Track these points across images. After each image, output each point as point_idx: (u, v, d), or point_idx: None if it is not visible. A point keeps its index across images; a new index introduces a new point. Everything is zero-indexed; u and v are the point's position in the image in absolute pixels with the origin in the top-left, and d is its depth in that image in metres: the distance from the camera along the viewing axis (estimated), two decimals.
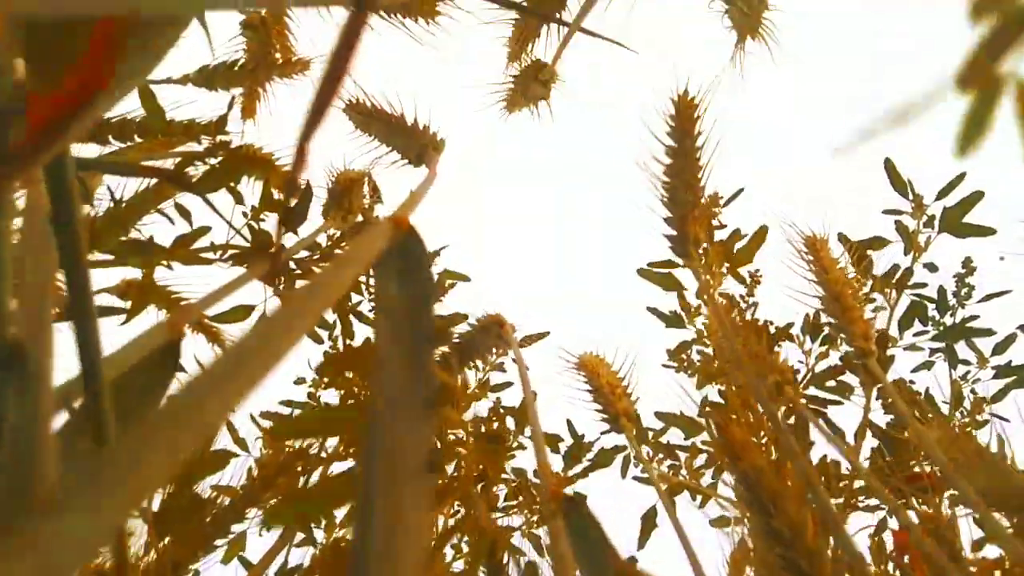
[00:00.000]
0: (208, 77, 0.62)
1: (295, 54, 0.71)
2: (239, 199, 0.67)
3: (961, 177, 0.92)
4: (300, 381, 0.96)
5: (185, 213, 0.53)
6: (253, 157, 0.61)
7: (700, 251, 0.49)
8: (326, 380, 0.90)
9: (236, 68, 0.63)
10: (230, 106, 0.60)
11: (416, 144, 0.54)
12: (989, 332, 0.95)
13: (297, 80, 0.70)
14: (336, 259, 0.23)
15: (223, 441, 0.96)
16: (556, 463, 1.09)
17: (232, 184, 0.62)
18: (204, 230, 0.59)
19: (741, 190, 0.95)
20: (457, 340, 0.65)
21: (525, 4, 0.63)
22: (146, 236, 0.57)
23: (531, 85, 0.74)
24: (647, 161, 0.51)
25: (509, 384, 1.07)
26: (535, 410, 0.51)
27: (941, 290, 1.00)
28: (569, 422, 1.12)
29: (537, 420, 0.50)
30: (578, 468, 1.10)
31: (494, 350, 0.66)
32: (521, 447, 1.02)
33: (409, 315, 0.25)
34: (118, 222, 0.49)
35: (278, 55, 0.69)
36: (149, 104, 0.53)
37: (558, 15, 0.68)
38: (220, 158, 0.54)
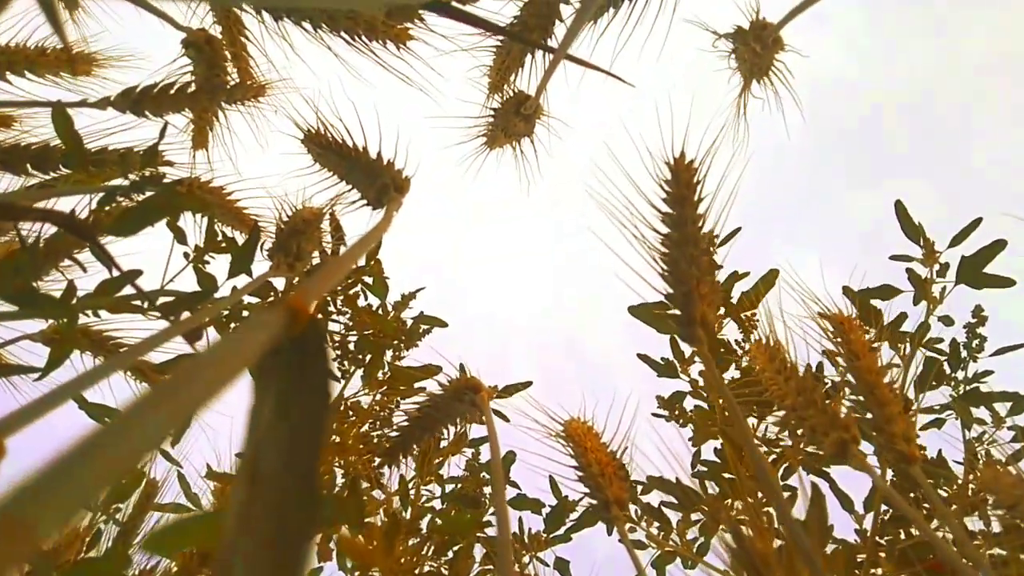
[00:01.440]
0: (134, 101, 0.54)
1: (255, 78, 0.64)
2: (181, 238, 0.60)
3: (976, 223, 0.85)
4: None
5: (107, 258, 0.45)
6: (192, 192, 0.54)
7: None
8: None
9: (172, 91, 0.55)
10: (162, 134, 0.53)
11: (377, 182, 0.46)
12: (1010, 396, 0.88)
13: (253, 107, 0.63)
14: (185, 367, 0.16)
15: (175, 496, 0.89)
16: (538, 524, 1.01)
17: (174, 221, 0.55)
18: (134, 274, 0.51)
19: (738, 229, 0.88)
20: (423, 406, 0.57)
21: (508, 28, 0.57)
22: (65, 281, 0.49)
23: (512, 120, 0.67)
24: (641, 228, 0.44)
25: (485, 439, 0.99)
26: (502, 492, 0.43)
27: (954, 344, 0.92)
28: (552, 480, 1.04)
29: (503, 503, 0.43)
30: (560, 531, 1.01)
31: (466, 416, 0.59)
32: None
33: (284, 474, 0.17)
34: (21, 268, 0.41)
35: (235, 78, 0.62)
36: (61, 128, 0.45)
37: (544, 41, 0.61)
38: (147, 194, 0.47)
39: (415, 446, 0.60)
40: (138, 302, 0.52)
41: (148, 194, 0.47)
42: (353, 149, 0.51)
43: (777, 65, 0.56)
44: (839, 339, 0.58)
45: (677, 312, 0.42)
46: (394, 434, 0.63)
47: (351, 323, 0.77)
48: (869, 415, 0.51)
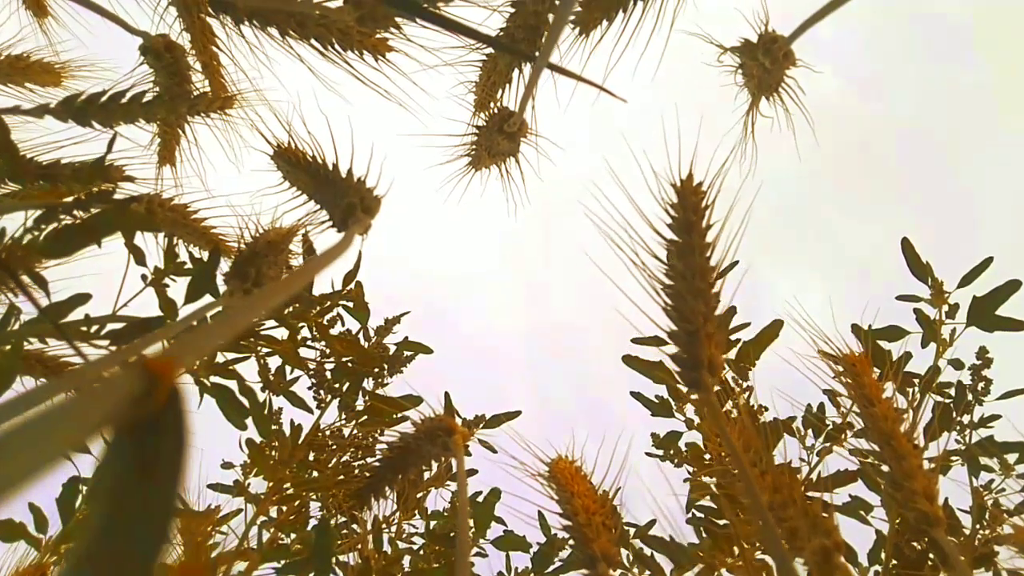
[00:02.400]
0: (77, 109, 0.50)
1: (226, 89, 0.60)
2: (139, 259, 0.56)
3: (987, 262, 0.81)
4: (227, 466, 0.83)
5: (40, 281, 0.41)
6: (151, 209, 0.50)
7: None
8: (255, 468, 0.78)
9: (123, 100, 0.51)
10: (110, 145, 0.49)
11: (343, 201, 0.42)
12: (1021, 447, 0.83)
13: (222, 120, 0.58)
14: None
15: None
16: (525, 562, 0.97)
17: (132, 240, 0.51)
18: (80, 299, 0.47)
19: (736, 263, 0.84)
20: (394, 447, 0.53)
21: (493, 37, 0.53)
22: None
23: (496, 138, 0.63)
24: (641, 256, 0.40)
25: (473, 472, 0.94)
26: (466, 544, 0.39)
27: (960, 386, 0.88)
28: (541, 516, 1.00)
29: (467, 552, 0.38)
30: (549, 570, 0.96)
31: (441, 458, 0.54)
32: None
33: None
34: None
35: (203, 88, 0.58)
36: None
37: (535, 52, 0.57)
38: (91, 211, 0.42)
39: (388, 488, 0.56)
40: (86, 328, 0.47)
41: (94, 211, 0.43)
42: (322, 166, 0.47)
43: (787, 82, 0.52)
44: (850, 381, 0.54)
45: (681, 353, 0.37)
46: (368, 473, 0.58)
47: (328, 349, 0.73)
48: (885, 467, 0.47)
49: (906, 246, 0.83)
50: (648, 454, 1.04)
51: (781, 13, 0.53)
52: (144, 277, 0.56)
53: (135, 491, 0.14)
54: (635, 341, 1.04)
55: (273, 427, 0.75)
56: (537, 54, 0.54)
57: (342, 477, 0.72)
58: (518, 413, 0.99)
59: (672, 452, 0.99)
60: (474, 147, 0.65)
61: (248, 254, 0.49)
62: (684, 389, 0.92)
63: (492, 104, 0.65)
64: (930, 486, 0.43)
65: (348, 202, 0.42)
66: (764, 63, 0.50)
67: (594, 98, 0.54)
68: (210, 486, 0.86)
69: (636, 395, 0.97)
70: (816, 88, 0.56)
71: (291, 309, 0.61)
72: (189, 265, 0.57)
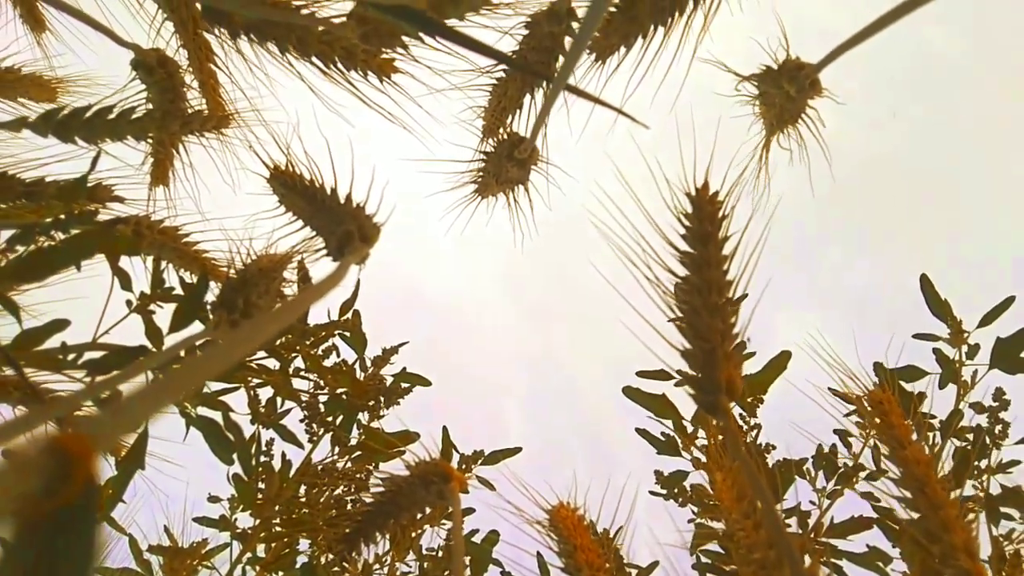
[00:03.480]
0: (58, 123, 0.47)
1: (224, 109, 0.57)
2: (125, 283, 0.53)
3: (1009, 302, 0.78)
4: (214, 499, 0.80)
5: (11, 306, 0.38)
6: (137, 232, 0.47)
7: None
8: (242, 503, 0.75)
9: (109, 116, 0.49)
10: (94, 163, 0.46)
11: (340, 228, 0.39)
12: None
13: (217, 140, 0.56)
14: None
15: (126, 560, 0.82)
16: None
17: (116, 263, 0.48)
18: (58, 325, 0.44)
19: (745, 295, 0.81)
20: (386, 491, 0.50)
21: (508, 56, 0.50)
22: None
23: (505, 165, 0.60)
24: (654, 270, 0.37)
25: (470, 511, 0.91)
26: None
27: (978, 429, 0.85)
28: (540, 557, 0.96)
29: None
30: None
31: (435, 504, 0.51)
32: None
33: None
34: None
35: (199, 106, 0.55)
36: None
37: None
38: (70, 232, 0.40)
39: (378, 533, 0.53)
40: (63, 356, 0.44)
41: (74, 232, 0.41)
42: (320, 190, 0.44)
43: (809, 112, 0.49)
44: (878, 421, 0.51)
45: (696, 375, 0.34)
46: (358, 516, 0.55)
47: (321, 382, 0.70)
48: (915, 514, 0.43)
49: (925, 283, 0.81)
50: (652, 493, 1.00)
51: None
52: (129, 303, 0.53)
53: None
54: (640, 375, 1.01)
55: (264, 458, 0.72)
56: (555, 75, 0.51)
57: (333, 513, 0.69)
58: (518, 450, 0.96)
59: (677, 492, 0.96)
60: (481, 174, 0.63)
61: (238, 282, 0.46)
62: (689, 422, 0.90)
63: (501, 130, 0.63)
64: (971, 540, 0.40)
65: (345, 230, 0.39)
66: (789, 91, 0.47)
67: (611, 125, 0.52)
68: (196, 520, 0.83)
69: (641, 432, 0.94)
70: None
71: (283, 340, 0.58)
72: (178, 291, 0.54)
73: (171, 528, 0.82)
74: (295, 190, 0.45)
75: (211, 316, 0.46)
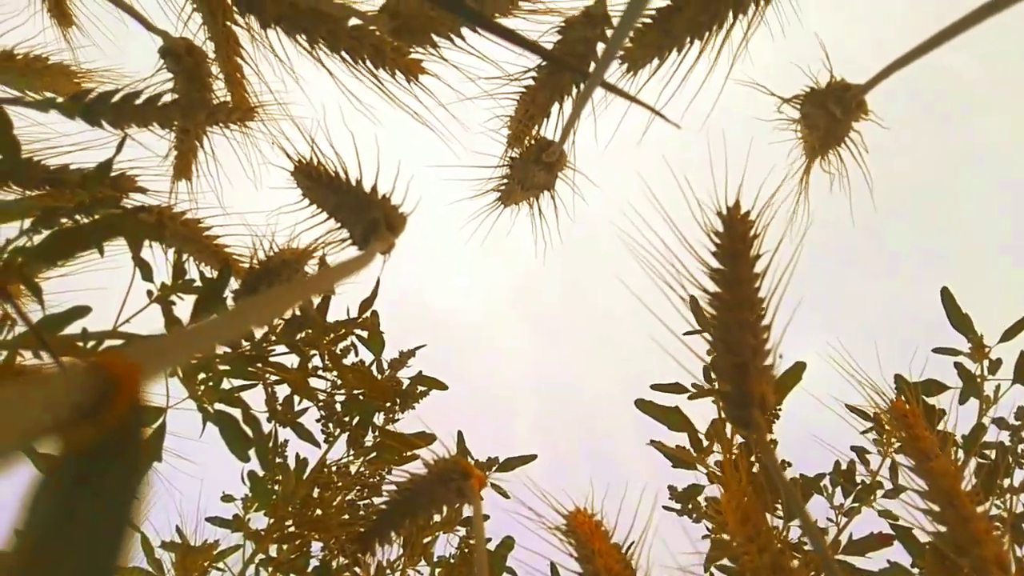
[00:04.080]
0: (86, 107, 0.47)
1: (248, 102, 0.57)
2: (146, 273, 0.53)
3: None
4: (228, 499, 0.80)
5: (35, 289, 0.38)
6: (160, 221, 0.47)
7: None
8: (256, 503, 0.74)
9: (137, 101, 0.49)
10: (119, 147, 0.46)
11: (366, 216, 0.39)
12: None
13: (241, 132, 0.56)
14: None
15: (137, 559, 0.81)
16: None
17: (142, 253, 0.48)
18: (79, 311, 0.44)
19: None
20: (404, 488, 0.49)
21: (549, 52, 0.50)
22: None
23: (532, 170, 0.60)
24: (684, 285, 0.37)
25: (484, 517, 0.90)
26: None
27: (1002, 448, 0.83)
28: (553, 568, 0.95)
29: None
30: None
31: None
32: None
33: None
34: None
35: (223, 98, 0.55)
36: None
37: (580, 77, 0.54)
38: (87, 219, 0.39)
39: (394, 533, 0.52)
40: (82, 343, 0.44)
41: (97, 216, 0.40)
42: (345, 181, 0.44)
43: (852, 135, 0.48)
44: (903, 434, 0.50)
45: (726, 389, 0.34)
46: (373, 516, 0.55)
47: (339, 381, 0.69)
48: (941, 527, 0.42)
49: (946, 296, 0.80)
50: (666, 507, 0.99)
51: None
52: (150, 293, 0.52)
53: (73, 533, 0.11)
54: (655, 388, 1.00)
55: (278, 460, 0.71)
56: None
57: (347, 517, 0.68)
58: (533, 457, 0.95)
59: (692, 507, 0.95)
60: (506, 180, 0.62)
61: (260, 272, 0.46)
62: (703, 436, 0.89)
63: (528, 139, 0.62)
64: (1002, 554, 0.39)
65: (372, 217, 0.39)
66: (835, 112, 0.46)
67: (639, 135, 0.51)
68: (208, 519, 0.82)
69: (655, 444, 0.93)
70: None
71: (303, 336, 0.58)
72: (199, 283, 0.54)
73: (183, 527, 0.82)
74: (320, 182, 0.45)
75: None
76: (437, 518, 0.70)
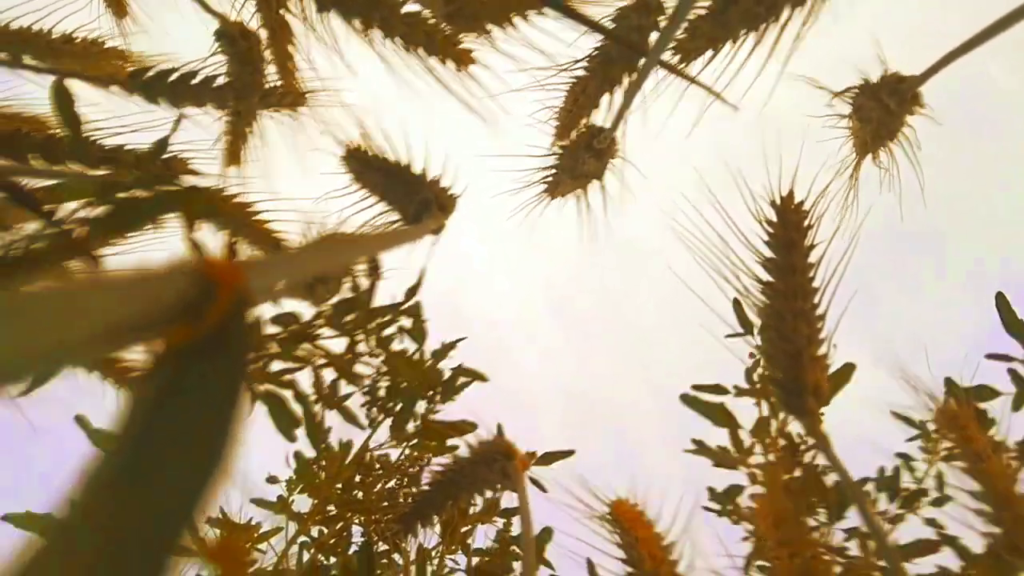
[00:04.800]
0: (145, 84, 0.48)
1: (298, 84, 0.57)
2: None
3: None
4: (273, 480, 0.81)
5: (95, 263, 0.39)
6: (214, 202, 0.47)
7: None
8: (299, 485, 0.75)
9: (194, 81, 0.49)
10: (175, 126, 0.47)
11: (418, 196, 0.40)
12: None
13: (292, 117, 0.56)
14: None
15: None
16: None
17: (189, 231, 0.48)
18: None
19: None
20: (447, 469, 0.49)
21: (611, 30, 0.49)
22: None
23: (582, 157, 0.59)
24: (737, 275, 0.36)
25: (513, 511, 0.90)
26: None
27: None
28: (590, 564, 0.95)
29: None
30: None
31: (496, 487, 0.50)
32: None
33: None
34: None
35: (276, 81, 0.56)
36: (60, 105, 0.39)
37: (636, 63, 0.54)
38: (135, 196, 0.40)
39: (436, 515, 0.52)
40: None
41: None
42: (396, 165, 0.44)
43: (905, 130, 0.47)
44: (955, 436, 0.49)
45: (779, 376, 0.34)
46: (417, 498, 0.55)
47: (383, 367, 0.70)
48: (997, 528, 0.42)
49: (1001, 301, 0.78)
50: (706, 508, 0.98)
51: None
52: None
53: (175, 430, 0.11)
54: (695, 388, 0.99)
55: (322, 444, 0.72)
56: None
57: (387, 504, 0.69)
58: (571, 452, 0.95)
59: (732, 509, 0.94)
60: (554, 170, 0.62)
61: None
62: (749, 433, 0.88)
63: (577, 129, 0.62)
64: None
65: (423, 196, 0.39)
66: (889, 104, 0.45)
67: (696, 118, 0.51)
68: (253, 500, 0.83)
69: (697, 443, 0.92)
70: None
71: (350, 319, 0.58)
72: None
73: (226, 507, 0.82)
74: (371, 165, 0.46)
75: None
76: (479, 503, 0.70)
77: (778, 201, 0.38)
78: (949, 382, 0.70)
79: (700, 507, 0.97)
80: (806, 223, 0.38)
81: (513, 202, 0.65)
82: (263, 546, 0.78)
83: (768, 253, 0.38)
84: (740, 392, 0.96)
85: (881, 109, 0.47)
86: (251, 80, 0.52)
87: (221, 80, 0.53)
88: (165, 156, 0.51)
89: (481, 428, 0.73)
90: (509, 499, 0.92)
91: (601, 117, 0.61)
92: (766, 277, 0.37)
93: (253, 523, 0.82)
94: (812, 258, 0.37)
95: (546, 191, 0.64)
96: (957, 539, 0.66)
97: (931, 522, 0.77)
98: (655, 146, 0.57)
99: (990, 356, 0.80)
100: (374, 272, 0.57)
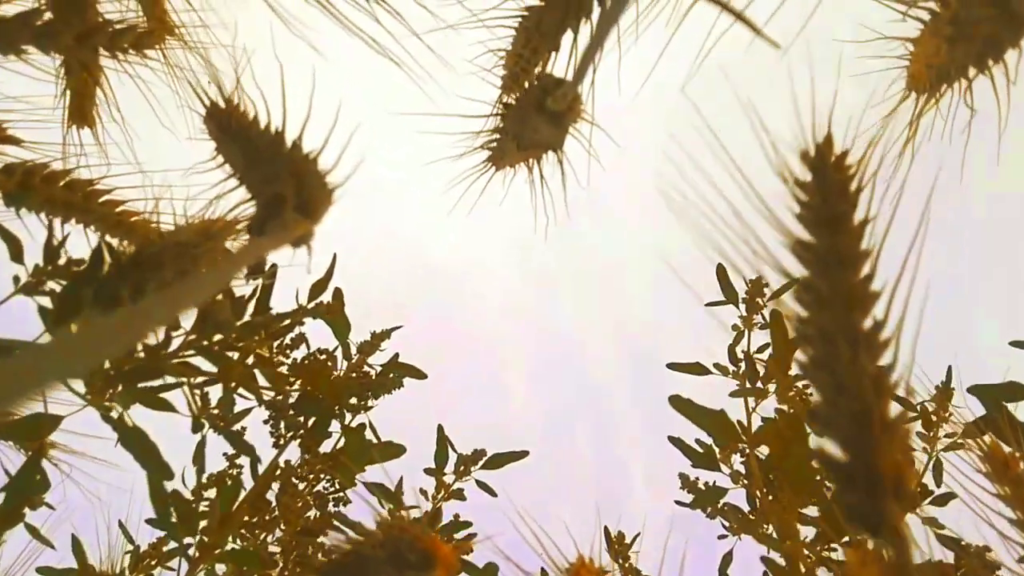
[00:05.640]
0: None
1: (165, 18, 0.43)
2: (16, 253, 0.40)
3: None
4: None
5: None
6: (27, 185, 0.34)
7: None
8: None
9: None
10: None
11: (268, 189, 0.26)
12: None
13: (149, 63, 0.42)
14: None
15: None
16: None
17: None
18: None
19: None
20: (339, 562, 0.37)
21: None
22: None
23: (532, 120, 0.45)
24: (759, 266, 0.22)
25: (467, 524, 0.78)
26: None
27: None
28: None
29: None
30: None
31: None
32: None
33: None
34: None
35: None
36: None
37: None
38: None
39: None
40: None
41: None
42: (257, 132, 0.31)
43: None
44: (1007, 490, 0.38)
45: (845, 460, 0.20)
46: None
47: (291, 377, 0.57)
48: None
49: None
50: (678, 503, 0.88)
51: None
52: (16, 279, 0.40)
53: None
54: (672, 367, 0.90)
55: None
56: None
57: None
58: (525, 454, 0.84)
59: (711, 511, 0.84)
60: (497, 134, 0.48)
61: (128, 264, 0.33)
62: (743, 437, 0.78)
63: (527, 81, 0.47)
64: None
65: (274, 192, 0.26)
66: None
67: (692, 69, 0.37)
68: (149, 521, 0.71)
69: (675, 441, 0.81)
70: None
71: (219, 339, 0.45)
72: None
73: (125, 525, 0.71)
74: (231, 133, 0.32)
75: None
76: None
77: (812, 152, 0.23)
78: (975, 389, 0.59)
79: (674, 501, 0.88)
80: (855, 185, 0.23)
81: (453, 170, 0.51)
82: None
83: (802, 233, 0.23)
84: (723, 371, 0.87)
85: (990, 16, 0.33)
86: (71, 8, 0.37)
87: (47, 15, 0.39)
88: None
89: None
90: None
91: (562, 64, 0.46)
92: (801, 271, 0.23)
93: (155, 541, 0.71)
94: (865, 243, 0.23)
95: (489, 160, 0.50)
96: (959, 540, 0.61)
97: (930, 522, 0.72)
98: (639, 102, 0.44)
99: (1014, 343, 0.69)
100: (260, 273, 0.44)
